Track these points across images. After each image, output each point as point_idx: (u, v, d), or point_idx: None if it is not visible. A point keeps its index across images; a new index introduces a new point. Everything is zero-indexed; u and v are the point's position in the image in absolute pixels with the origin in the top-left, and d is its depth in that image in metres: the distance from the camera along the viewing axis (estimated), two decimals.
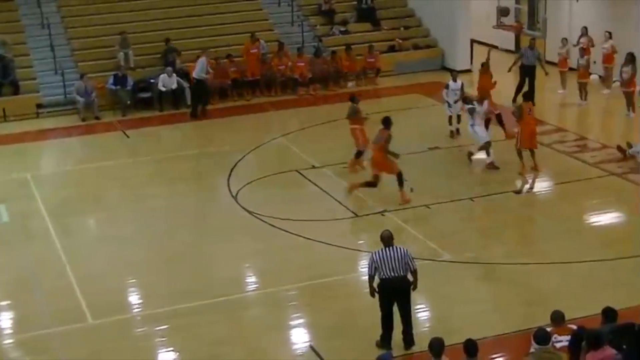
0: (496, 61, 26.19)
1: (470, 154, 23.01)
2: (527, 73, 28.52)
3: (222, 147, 25.54)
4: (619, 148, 23.19)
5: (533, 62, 28.49)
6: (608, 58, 29.27)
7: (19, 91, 29.55)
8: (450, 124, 25.09)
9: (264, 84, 30.99)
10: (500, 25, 31.62)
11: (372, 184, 20.76)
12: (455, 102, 24.67)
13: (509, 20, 31.88)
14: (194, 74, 28.82)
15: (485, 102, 23.19)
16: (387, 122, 20.60)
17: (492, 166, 22.57)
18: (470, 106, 22.78)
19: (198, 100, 28.98)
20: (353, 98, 23.30)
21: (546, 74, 28.25)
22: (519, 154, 22.17)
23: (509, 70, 28.79)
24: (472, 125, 22.76)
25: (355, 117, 22.79)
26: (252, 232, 19.55)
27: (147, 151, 25.70)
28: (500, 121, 24.44)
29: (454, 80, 25.20)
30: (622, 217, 20.20)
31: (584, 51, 28.91)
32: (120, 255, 18.67)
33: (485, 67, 26.16)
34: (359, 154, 22.55)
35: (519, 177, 22.05)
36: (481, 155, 22.90)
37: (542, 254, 17.85)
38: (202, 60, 28.77)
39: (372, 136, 21.41)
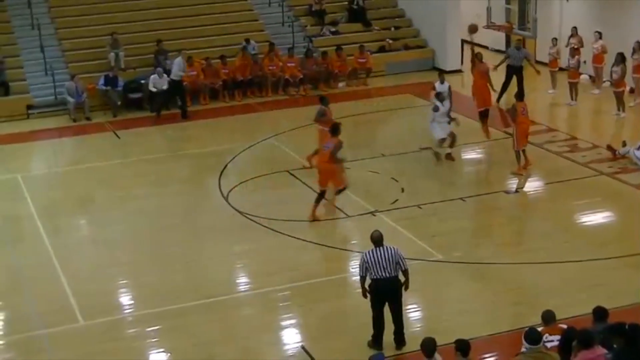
0: (487, 61, 26.11)
1: (449, 155, 23.06)
2: (513, 73, 28.56)
3: (212, 147, 25.54)
4: (609, 147, 23.25)
5: (519, 62, 28.50)
6: (598, 58, 29.31)
7: (9, 92, 29.51)
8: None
9: (255, 84, 30.99)
10: (490, 26, 31.65)
11: (321, 195, 20.12)
12: (450, 107, 24.69)
13: (499, 20, 31.95)
14: (171, 75, 28.88)
15: (447, 102, 23.14)
16: (335, 130, 20.23)
17: (450, 158, 23.07)
18: (436, 104, 22.79)
19: (167, 101, 29.17)
20: (323, 99, 23.06)
21: (538, 73, 28.20)
22: (517, 154, 22.18)
23: (495, 68, 28.63)
24: (432, 122, 22.92)
25: (321, 119, 22.50)
26: (243, 232, 19.55)
27: (137, 152, 25.67)
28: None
29: (441, 82, 24.75)
30: (612, 216, 20.25)
31: (575, 51, 28.95)
32: (111, 256, 18.67)
33: (476, 60, 25.38)
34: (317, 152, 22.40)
35: (515, 176, 22.05)
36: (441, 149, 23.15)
37: (533, 254, 17.88)
38: (179, 60, 28.84)
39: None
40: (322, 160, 20.13)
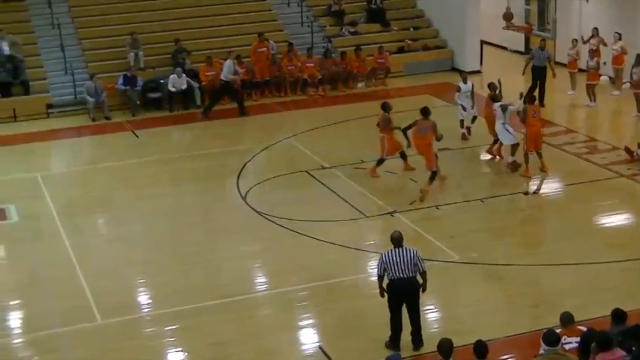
0: (506, 62, 26.06)
1: (513, 164, 22.71)
2: (538, 74, 28.46)
3: (231, 147, 25.57)
4: (627, 149, 23.15)
5: (543, 63, 28.39)
6: (618, 59, 29.17)
7: (30, 91, 29.60)
8: (462, 126, 24.98)
9: (274, 84, 31.01)
10: (509, 26, 31.60)
11: (434, 174, 21.15)
12: (472, 107, 24.58)
13: (519, 21, 31.88)
14: (221, 76, 28.92)
15: (519, 101, 22.91)
16: (427, 112, 21.45)
17: (512, 165, 22.52)
18: (502, 104, 22.49)
19: (215, 101, 29.17)
20: (385, 106, 22.81)
21: (554, 75, 28.16)
22: (525, 156, 22.13)
23: (523, 73, 28.66)
24: (504, 124, 22.37)
25: (386, 126, 22.41)
26: (261, 232, 19.57)
27: (156, 151, 25.71)
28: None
29: (464, 81, 25.00)
30: (631, 218, 20.17)
31: (594, 53, 28.83)
32: (129, 255, 18.72)
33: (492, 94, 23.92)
34: (380, 162, 22.47)
35: (524, 179, 21.99)
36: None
37: (551, 255, 17.84)
38: (229, 62, 28.87)
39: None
40: (425, 143, 21.13)
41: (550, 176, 22.27)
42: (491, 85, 23.54)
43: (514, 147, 22.43)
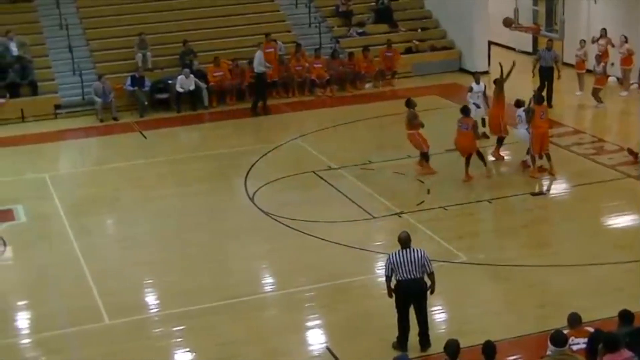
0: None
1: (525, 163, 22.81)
2: (545, 74, 28.42)
3: (239, 148, 25.58)
4: (630, 151, 23.10)
5: (550, 63, 28.34)
6: (626, 60, 29.16)
7: (38, 92, 29.66)
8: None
9: (281, 85, 31.04)
10: (517, 27, 31.55)
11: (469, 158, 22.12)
12: (484, 107, 24.54)
13: (527, 21, 31.82)
14: (255, 69, 29.08)
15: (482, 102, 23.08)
16: (467, 111, 22.16)
17: (526, 165, 22.63)
18: (526, 109, 22.42)
19: (258, 95, 29.32)
20: (409, 102, 22.82)
21: (559, 77, 28.14)
22: (532, 158, 22.09)
23: (533, 74, 28.62)
24: (527, 129, 22.23)
25: (412, 123, 22.45)
26: (269, 233, 19.58)
27: (164, 152, 25.74)
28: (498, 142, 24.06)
29: (477, 82, 24.85)
30: (638, 219, 20.12)
31: (601, 58, 28.78)
32: (137, 255, 18.76)
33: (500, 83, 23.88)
34: (425, 157, 22.52)
35: (531, 180, 21.96)
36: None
37: (559, 256, 17.82)
38: (259, 53, 29.00)
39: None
40: (467, 140, 21.94)
41: (557, 177, 22.24)
42: (497, 82, 23.53)
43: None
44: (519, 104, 22.66)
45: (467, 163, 22.11)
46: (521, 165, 22.71)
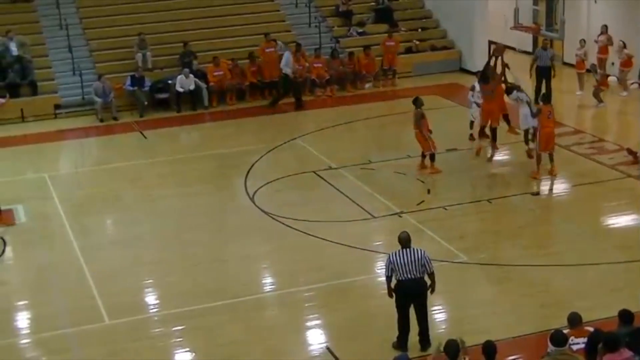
0: (514, 63, 25.95)
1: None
2: (542, 74, 28.43)
3: (239, 148, 25.57)
4: (629, 151, 23.10)
5: (547, 63, 28.36)
6: (625, 63, 29.19)
7: (38, 92, 29.67)
8: (472, 127, 24.81)
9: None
10: (517, 27, 31.54)
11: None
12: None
13: (527, 21, 31.82)
14: (282, 69, 29.64)
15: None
16: (485, 78, 22.97)
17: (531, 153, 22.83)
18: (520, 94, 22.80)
19: (280, 93, 29.82)
20: (416, 101, 22.73)
21: (553, 75, 28.13)
22: (538, 158, 22.02)
23: (530, 75, 28.59)
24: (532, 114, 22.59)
25: (418, 122, 22.41)
26: (269, 233, 19.58)
27: (164, 152, 25.75)
28: (506, 120, 24.08)
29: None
30: (639, 219, 20.11)
31: (600, 62, 28.79)
32: (137, 255, 18.75)
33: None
34: (432, 157, 22.51)
35: (531, 179, 21.96)
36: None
37: (559, 256, 17.81)
38: (287, 54, 29.65)
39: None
40: (495, 102, 23.07)
41: (558, 177, 22.22)
42: (496, 77, 23.65)
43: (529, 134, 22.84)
44: (509, 90, 22.85)
45: (494, 136, 23.03)
46: (527, 153, 22.73)
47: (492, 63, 23.63)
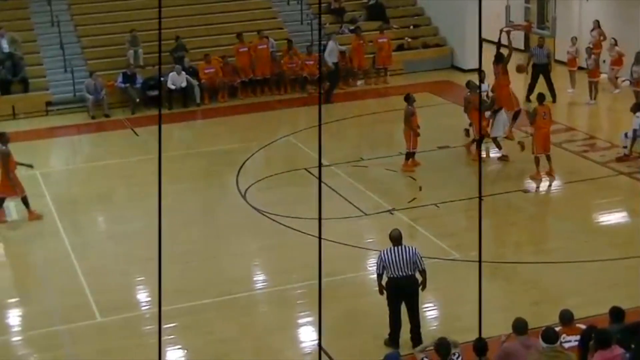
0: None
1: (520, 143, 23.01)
2: (539, 72, 28.43)
3: (230, 145, 25.55)
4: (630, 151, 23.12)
5: (543, 60, 28.39)
6: (616, 62, 29.23)
7: (29, 89, 29.59)
8: (468, 129, 24.61)
9: (273, 82, 31.01)
10: (509, 26, 31.52)
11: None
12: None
13: (518, 19, 31.83)
14: (328, 60, 29.96)
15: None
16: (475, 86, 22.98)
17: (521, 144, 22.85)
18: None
19: (333, 84, 30.28)
20: (407, 98, 22.75)
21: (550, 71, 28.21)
22: (536, 160, 21.86)
23: (527, 72, 28.52)
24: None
25: (407, 119, 22.40)
26: (261, 230, 19.58)
27: (156, 149, 25.65)
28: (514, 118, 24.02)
29: (482, 81, 24.29)
30: (631, 216, 20.15)
31: (591, 50, 28.81)
32: (128, 252, 18.74)
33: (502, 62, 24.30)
34: (407, 155, 22.53)
35: (531, 180, 21.91)
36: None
37: (551, 253, 17.84)
38: (332, 43, 30.21)
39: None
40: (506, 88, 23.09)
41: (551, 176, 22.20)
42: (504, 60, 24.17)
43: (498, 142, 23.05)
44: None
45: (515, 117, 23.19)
46: (519, 145, 22.75)
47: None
